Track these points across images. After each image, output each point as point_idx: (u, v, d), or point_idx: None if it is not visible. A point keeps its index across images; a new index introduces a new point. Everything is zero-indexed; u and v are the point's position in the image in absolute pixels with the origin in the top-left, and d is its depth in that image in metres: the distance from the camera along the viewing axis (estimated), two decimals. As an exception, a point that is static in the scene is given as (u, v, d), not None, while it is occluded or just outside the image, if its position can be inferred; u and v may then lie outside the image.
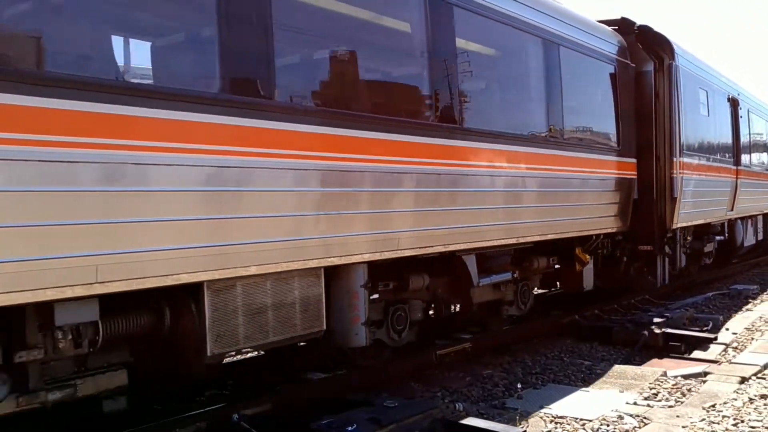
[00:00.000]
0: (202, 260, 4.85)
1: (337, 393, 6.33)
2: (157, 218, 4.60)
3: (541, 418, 6.06)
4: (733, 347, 8.72)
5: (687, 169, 11.45)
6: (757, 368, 7.33)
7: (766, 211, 17.37)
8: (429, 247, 6.82)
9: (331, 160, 5.78)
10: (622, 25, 11.32)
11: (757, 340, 8.95)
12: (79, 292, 4.27)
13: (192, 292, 5.01)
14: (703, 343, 8.76)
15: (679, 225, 11.45)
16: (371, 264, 6.35)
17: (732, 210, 14.25)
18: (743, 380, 6.97)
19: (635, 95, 10.89)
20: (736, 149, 14.68)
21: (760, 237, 16.95)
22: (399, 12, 6.99)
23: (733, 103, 14.67)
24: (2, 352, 4.37)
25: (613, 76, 10.40)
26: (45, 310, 4.38)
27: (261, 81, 5.25)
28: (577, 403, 6.46)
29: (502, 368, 7.93)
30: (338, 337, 6.34)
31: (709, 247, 13.68)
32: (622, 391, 6.86)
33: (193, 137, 4.80)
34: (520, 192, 8.14)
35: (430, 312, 8.12)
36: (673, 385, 7.05)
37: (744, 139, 15.34)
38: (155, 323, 5.14)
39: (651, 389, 6.91)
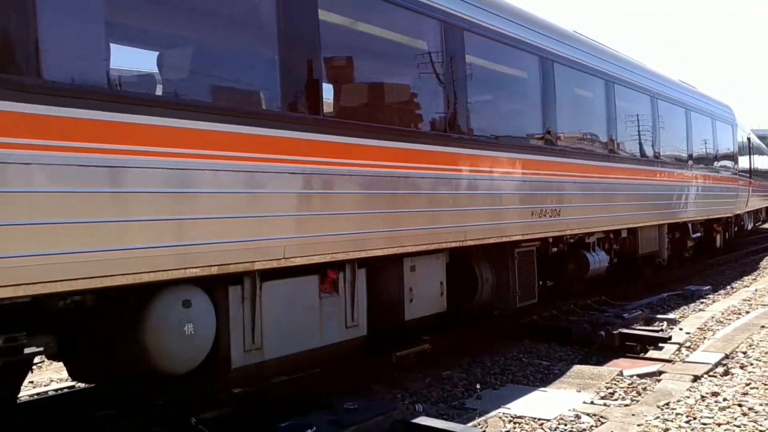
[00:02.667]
0: (598, 222, 11.15)
1: (297, 395, 6.30)
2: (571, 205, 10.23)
3: (500, 418, 6.12)
4: (686, 347, 8.93)
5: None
6: (709, 367, 7.52)
7: (756, 208, 26.58)
8: (680, 219, 14.91)
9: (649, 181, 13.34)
10: None
11: (709, 339, 9.17)
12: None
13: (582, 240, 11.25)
14: (658, 343, 8.96)
15: (739, 212, 20.96)
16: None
17: (747, 206, 22.69)
18: (696, 378, 7.15)
19: None
20: (750, 168, 23.68)
21: (752, 224, 26.53)
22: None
23: (748, 140, 24.12)
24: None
25: (730, 131, 19.80)
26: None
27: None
28: (535, 403, 6.55)
29: (461, 369, 7.99)
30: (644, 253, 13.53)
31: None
32: (580, 391, 6.97)
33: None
34: (708, 194, 16.54)
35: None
36: (629, 384, 7.19)
37: (751, 162, 24.96)
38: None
39: (608, 389, 7.04)
